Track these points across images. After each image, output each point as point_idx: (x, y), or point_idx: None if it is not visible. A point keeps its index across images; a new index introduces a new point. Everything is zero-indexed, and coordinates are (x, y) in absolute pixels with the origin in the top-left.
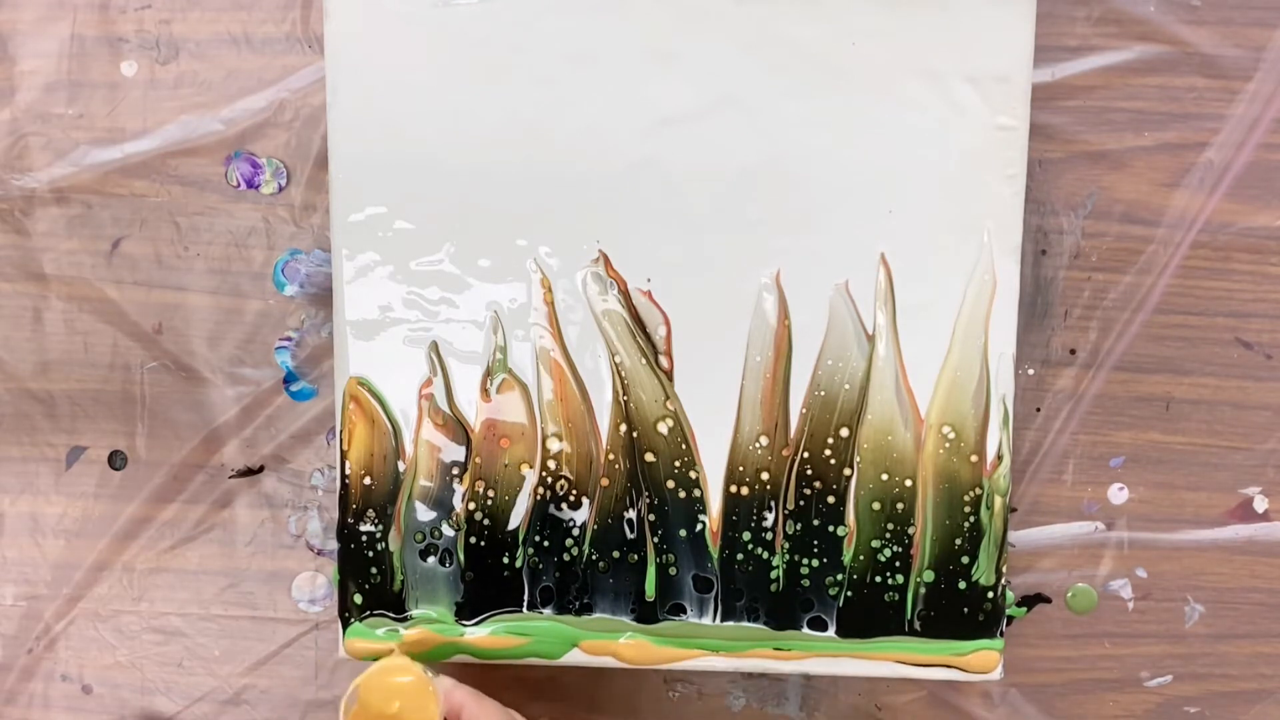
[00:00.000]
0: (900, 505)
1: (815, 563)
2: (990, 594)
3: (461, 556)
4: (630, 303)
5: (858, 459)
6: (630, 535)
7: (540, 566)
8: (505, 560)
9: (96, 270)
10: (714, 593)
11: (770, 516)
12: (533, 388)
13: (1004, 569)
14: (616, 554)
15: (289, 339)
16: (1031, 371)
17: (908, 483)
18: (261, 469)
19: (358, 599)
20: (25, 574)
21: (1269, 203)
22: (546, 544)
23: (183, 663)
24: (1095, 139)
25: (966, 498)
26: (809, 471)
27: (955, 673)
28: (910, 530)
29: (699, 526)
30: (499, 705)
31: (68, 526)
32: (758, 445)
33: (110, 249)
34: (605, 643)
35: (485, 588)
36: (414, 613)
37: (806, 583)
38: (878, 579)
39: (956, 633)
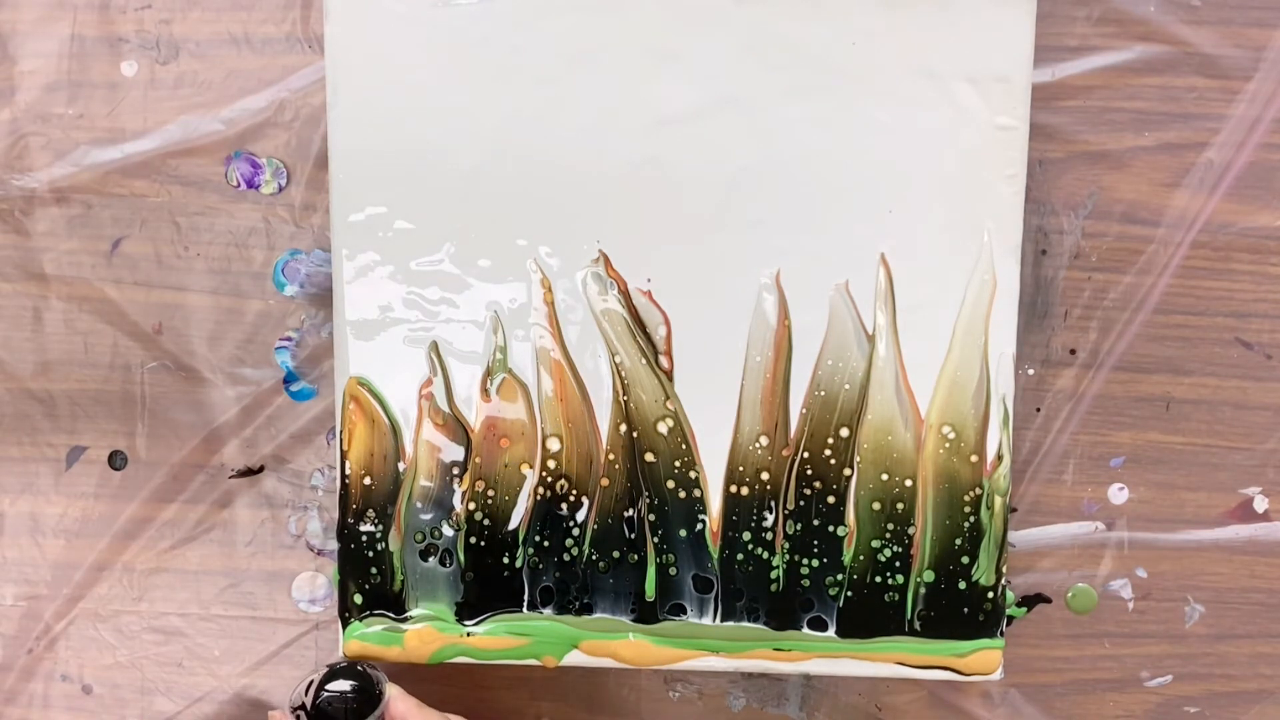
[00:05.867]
0: (900, 505)
1: (815, 563)
2: (990, 594)
3: (461, 556)
4: (630, 303)
5: (858, 459)
6: (630, 535)
7: (540, 566)
8: (505, 560)
9: (96, 270)
10: (714, 593)
11: (770, 516)
12: (533, 388)
13: (1004, 569)
14: (616, 554)
15: (289, 339)
16: (1031, 371)
17: (908, 483)
18: (261, 469)
19: (358, 599)
20: (25, 574)
21: (1269, 203)
22: (546, 544)
23: (183, 663)
24: (1095, 139)
25: (966, 498)
26: (809, 471)
27: (955, 674)
28: (910, 530)
29: (699, 526)
30: (442, 715)
31: (68, 526)
32: (758, 445)
33: (110, 249)
34: (605, 643)
35: (485, 588)
36: (414, 612)
37: (806, 583)
38: (878, 579)
39: (957, 633)
